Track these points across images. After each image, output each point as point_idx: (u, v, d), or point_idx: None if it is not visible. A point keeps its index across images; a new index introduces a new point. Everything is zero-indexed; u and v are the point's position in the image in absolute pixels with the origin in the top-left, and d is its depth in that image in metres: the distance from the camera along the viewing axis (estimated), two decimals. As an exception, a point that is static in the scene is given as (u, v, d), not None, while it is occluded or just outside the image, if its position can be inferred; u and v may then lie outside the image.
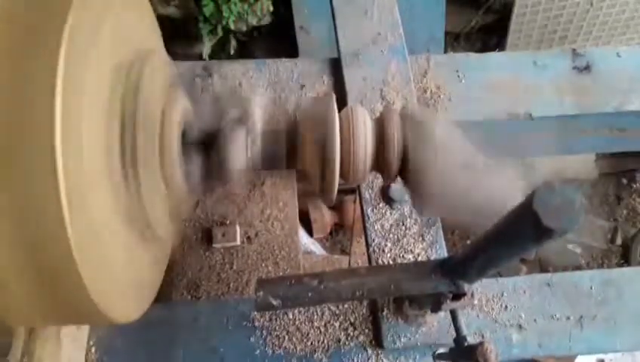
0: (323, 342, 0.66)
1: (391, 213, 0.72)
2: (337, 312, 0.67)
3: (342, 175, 0.51)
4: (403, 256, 0.69)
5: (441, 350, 0.56)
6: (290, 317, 0.67)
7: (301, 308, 0.67)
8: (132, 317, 0.51)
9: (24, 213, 0.36)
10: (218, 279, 0.73)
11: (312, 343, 0.66)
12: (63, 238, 0.37)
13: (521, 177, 0.45)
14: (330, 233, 1.85)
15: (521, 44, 1.76)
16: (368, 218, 0.71)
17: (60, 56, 0.36)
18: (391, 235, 0.71)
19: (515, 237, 0.34)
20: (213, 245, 0.74)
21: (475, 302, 0.68)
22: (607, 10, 1.65)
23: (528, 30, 1.72)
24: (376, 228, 0.71)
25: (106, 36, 0.44)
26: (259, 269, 0.74)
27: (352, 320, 0.67)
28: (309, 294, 0.43)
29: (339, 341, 0.66)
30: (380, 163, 0.51)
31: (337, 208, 1.79)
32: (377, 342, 0.66)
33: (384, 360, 0.66)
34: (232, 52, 1.65)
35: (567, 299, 0.69)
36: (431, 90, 0.81)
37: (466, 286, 0.43)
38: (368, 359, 0.65)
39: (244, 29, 1.53)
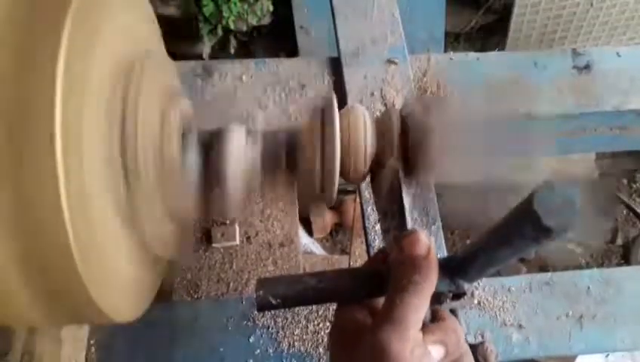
0: (323, 341, 0.66)
1: (391, 213, 0.72)
2: (338, 312, 0.67)
3: (342, 174, 0.51)
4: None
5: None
6: (291, 316, 0.67)
7: (301, 308, 0.67)
8: (132, 317, 0.51)
9: (24, 214, 0.36)
10: (218, 279, 0.73)
11: (312, 342, 0.66)
12: (63, 238, 0.37)
13: (521, 176, 0.45)
14: (330, 233, 1.85)
15: (521, 44, 1.76)
16: (368, 218, 0.71)
17: (59, 56, 0.36)
18: (391, 235, 0.71)
19: (514, 237, 0.34)
20: (213, 245, 0.74)
21: (475, 301, 0.68)
22: (607, 10, 1.65)
23: (528, 30, 1.72)
24: (376, 228, 0.71)
25: (105, 36, 0.44)
26: (258, 269, 0.74)
27: (353, 320, 0.67)
28: (309, 293, 0.43)
29: (339, 340, 0.66)
30: (380, 162, 0.51)
31: (337, 208, 1.79)
32: (377, 341, 0.66)
33: (384, 359, 0.65)
34: (232, 52, 1.65)
35: (566, 299, 0.69)
36: (431, 90, 0.81)
37: (465, 286, 0.43)
38: (368, 358, 0.65)
39: (244, 29, 1.53)
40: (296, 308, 0.67)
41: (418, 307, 0.38)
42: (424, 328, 0.40)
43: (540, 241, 0.32)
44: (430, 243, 0.40)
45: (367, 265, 0.47)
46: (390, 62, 0.80)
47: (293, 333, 0.66)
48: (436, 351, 0.39)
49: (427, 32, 1.75)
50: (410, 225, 0.71)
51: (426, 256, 0.39)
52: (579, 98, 0.81)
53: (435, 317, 0.43)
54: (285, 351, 0.66)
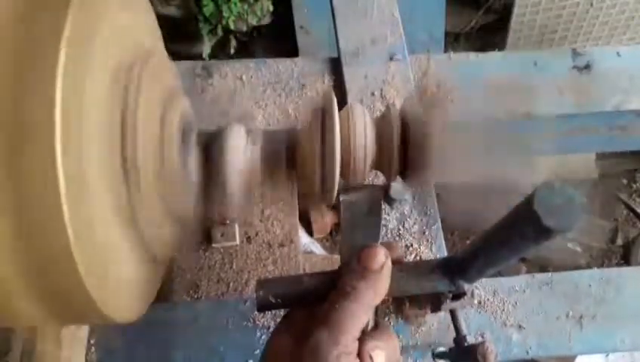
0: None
1: (390, 213, 0.72)
2: (337, 312, 0.67)
3: (342, 175, 0.51)
4: (403, 255, 0.69)
5: (441, 349, 0.56)
6: (290, 316, 0.67)
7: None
8: (132, 317, 0.51)
9: (23, 214, 0.36)
10: (218, 279, 0.73)
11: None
12: (63, 238, 0.37)
13: (520, 173, 0.45)
14: (330, 233, 1.85)
15: (521, 44, 1.76)
16: (368, 218, 0.71)
17: (59, 56, 0.36)
18: (391, 235, 0.71)
19: (514, 237, 0.34)
20: (213, 245, 0.74)
21: (475, 301, 0.68)
22: (607, 10, 1.65)
23: (528, 30, 1.72)
24: (376, 228, 0.71)
25: (105, 36, 0.44)
26: (258, 269, 0.73)
27: (352, 320, 0.67)
28: (309, 293, 0.43)
29: (339, 341, 0.66)
30: (380, 162, 0.51)
31: (337, 208, 1.79)
32: (377, 341, 0.66)
33: (384, 359, 0.65)
34: (232, 52, 1.65)
35: (566, 299, 0.69)
36: (431, 90, 0.81)
37: (465, 286, 0.43)
38: (368, 359, 0.65)
39: (244, 29, 1.53)
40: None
41: (356, 314, 0.40)
42: (365, 334, 0.41)
43: (539, 241, 0.32)
44: (386, 262, 0.42)
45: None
46: (392, 59, 0.80)
47: (293, 333, 0.66)
48: (381, 357, 0.41)
49: (427, 32, 1.75)
50: (410, 225, 0.71)
51: (376, 271, 0.41)
52: (579, 98, 0.81)
53: (375, 326, 0.44)
54: (285, 351, 0.65)
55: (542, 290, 0.69)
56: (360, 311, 0.40)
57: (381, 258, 0.41)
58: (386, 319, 0.65)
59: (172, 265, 0.72)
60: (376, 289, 0.41)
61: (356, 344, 0.40)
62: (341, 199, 0.41)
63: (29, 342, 0.55)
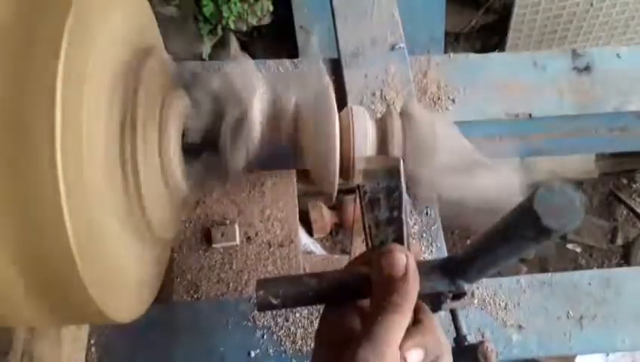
0: (323, 341, 0.66)
1: (391, 213, 0.72)
2: (337, 312, 0.67)
3: (342, 175, 0.51)
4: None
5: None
6: (291, 316, 0.67)
7: (301, 308, 0.67)
8: (132, 317, 0.51)
9: (23, 213, 0.36)
10: (218, 279, 0.73)
11: (312, 343, 0.66)
12: (63, 238, 0.37)
13: (520, 177, 0.45)
14: (330, 233, 1.85)
15: (521, 44, 1.76)
16: (368, 218, 0.71)
17: (59, 56, 0.36)
18: (391, 235, 0.71)
19: (514, 237, 0.34)
20: (213, 245, 0.74)
21: (475, 301, 0.68)
22: (607, 10, 1.65)
23: (528, 30, 1.72)
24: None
25: (105, 36, 0.44)
26: (258, 269, 0.74)
27: (352, 320, 0.67)
28: (310, 293, 0.43)
29: (339, 341, 0.66)
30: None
31: (337, 208, 1.79)
32: (377, 341, 0.66)
33: (384, 359, 0.65)
34: (232, 52, 1.65)
35: (567, 299, 0.69)
36: (431, 91, 0.81)
37: (465, 286, 0.43)
38: (368, 359, 0.65)
39: (244, 29, 1.53)
40: (297, 308, 0.67)
41: (397, 326, 0.39)
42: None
43: (539, 241, 0.32)
44: (408, 261, 0.41)
45: (353, 264, 0.47)
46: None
47: (294, 333, 0.66)
48: (416, 355, 0.40)
49: (427, 32, 1.75)
50: (410, 225, 0.71)
51: (402, 278, 0.40)
52: (579, 99, 0.81)
53: (414, 319, 0.44)
54: (285, 351, 0.66)
55: (542, 290, 0.69)
56: (400, 320, 0.40)
57: (401, 261, 0.41)
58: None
59: (172, 265, 0.72)
60: (408, 295, 0.40)
61: (399, 353, 0.39)
62: (361, 179, 0.41)
63: (29, 342, 0.55)
